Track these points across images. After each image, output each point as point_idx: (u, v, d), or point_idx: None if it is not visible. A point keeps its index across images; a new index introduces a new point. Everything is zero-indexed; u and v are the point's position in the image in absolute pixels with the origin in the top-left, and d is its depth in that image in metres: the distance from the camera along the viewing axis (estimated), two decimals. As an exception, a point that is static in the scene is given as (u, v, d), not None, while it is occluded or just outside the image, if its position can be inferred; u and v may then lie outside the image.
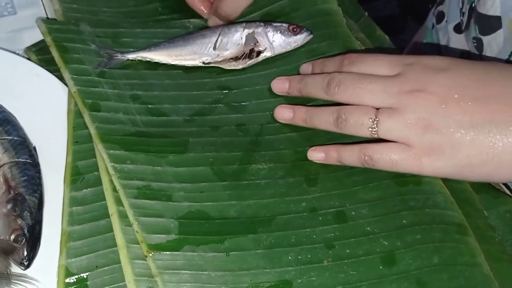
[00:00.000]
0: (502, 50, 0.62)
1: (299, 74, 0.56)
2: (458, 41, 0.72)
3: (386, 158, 0.47)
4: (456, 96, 0.45)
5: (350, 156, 0.49)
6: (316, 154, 0.50)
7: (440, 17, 0.77)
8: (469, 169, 0.46)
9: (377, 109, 0.47)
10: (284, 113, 0.53)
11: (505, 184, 0.54)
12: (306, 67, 0.55)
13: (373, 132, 0.47)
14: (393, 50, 0.66)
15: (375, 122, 0.47)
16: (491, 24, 0.63)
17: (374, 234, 0.46)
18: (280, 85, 0.55)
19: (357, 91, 0.48)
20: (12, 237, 0.46)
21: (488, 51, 0.65)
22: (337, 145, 0.50)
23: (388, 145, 0.47)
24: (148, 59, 0.56)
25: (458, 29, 0.73)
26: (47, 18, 0.61)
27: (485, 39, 0.65)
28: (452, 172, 0.47)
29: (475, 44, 0.66)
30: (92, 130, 0.50)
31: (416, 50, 0.84)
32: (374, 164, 0.48)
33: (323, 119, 0.50)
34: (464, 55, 0.70)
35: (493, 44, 0.64)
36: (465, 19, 0.69)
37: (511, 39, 0.61)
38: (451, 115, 0.45)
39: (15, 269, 0.45)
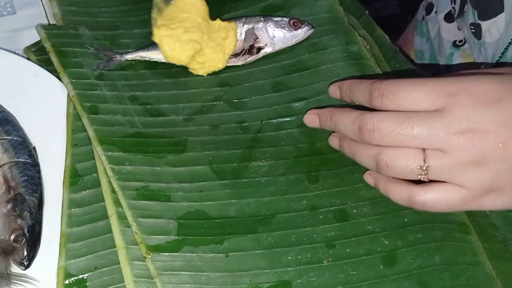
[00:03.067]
0: (504, 35, 0.60)
1: (302, 70, 0.55)
2: (449, 30, 0.71)
3: (441, 203, 0.43)
4: None
5: (397, 196, 0.45)
6: (367, 179, 0.48)
7: (429, 8, 0.76)
8: None
9: (423, 149, 0.43)
10: (330, 141, 0.51)
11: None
12: (334, 91, 0.51)
13: (422, 177, 0.43)
14: (415, 72, 0.60)
15: (425, 168, 0.43)
16: (492, 8, 0.61)
17: (375, 233, 0.46)
18: (311, 121, 0.51)
19: (399, 137, 0.43)
20: (12, 237, 0.46)
21: (487, 37, 0.62)
22: (386, 178, 0.46)
23: (440, 188, 0.43)
24: (147, 59, 0.56)
25: (448, 18, 0.71)
26: (47, 18, 0.60)
27: (484, 24, 0.62)
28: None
29: (473, 31, 0.64)
30: (91, 133, 0.50)
31: (407, 42, 0.83)
32: (427, 210, 0.44)
33: (363, 160, 0.46)
34: (457, 43, 0.69)
35: (493, 29, 0.61)
36: (457, 6, 0.67)
37: None
38: (509, 154, 0.42)
39: (15, 269, 0.46)
